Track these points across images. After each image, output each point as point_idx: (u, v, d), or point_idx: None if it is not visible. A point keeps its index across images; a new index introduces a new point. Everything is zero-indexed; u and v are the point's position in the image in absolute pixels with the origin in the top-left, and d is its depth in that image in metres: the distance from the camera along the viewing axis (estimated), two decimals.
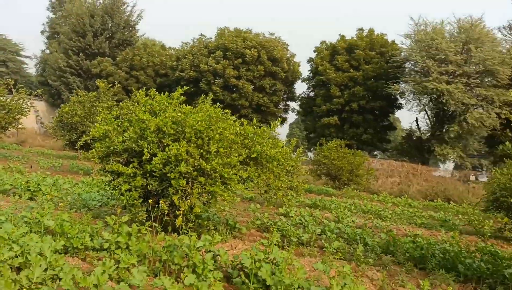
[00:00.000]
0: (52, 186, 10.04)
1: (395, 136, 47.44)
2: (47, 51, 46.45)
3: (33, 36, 66.77)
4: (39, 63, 48.50)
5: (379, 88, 32.22)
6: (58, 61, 38.57)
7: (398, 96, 34.03)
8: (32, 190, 9.30)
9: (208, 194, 6.63)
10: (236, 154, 6.62)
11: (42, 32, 50.80)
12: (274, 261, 4.95)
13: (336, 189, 20.19)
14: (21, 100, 18.35)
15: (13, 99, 18.20)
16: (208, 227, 7.06)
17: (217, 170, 6.25)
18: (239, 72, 33.79)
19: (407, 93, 32.75)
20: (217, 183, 6.35)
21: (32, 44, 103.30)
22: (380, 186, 24.71)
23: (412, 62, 31.99)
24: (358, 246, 7.03)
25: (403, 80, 31.25)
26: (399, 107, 35.36)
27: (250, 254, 4.96)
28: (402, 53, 33.15)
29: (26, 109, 18.82)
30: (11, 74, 45.04)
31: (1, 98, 17.88)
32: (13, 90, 18.74)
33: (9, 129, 19.30)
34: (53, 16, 49.88)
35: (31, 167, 15.50)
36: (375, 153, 40.44)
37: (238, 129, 7.08)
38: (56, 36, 46.78)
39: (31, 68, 52.64)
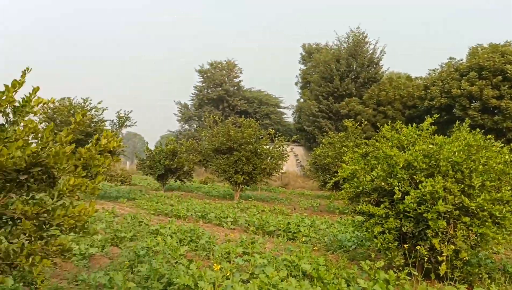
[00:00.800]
0: (310, 227, 10.40)
1: None
2: (301, 100, 50.97)
3: (289, 89, 74.66)
4: (295, 112, 53.55)
5: None
6: (311, 108, 41.73)
7: None
8: (292, 231, 9.80)
9: (476, 236, 5.62)
10: (509, 187, 5.48)
11: (296, 83, 56.33)
12: None
13: None
14: (281, 147, 20.26)
15: (275, 147, 20.27)
16: (480, 275, 5.98)
17: (485, 207, 5.25)
18: (500, 91, 29.72)
19: None
20: (487, 223, 5.32)
21: (289, 96, 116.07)
22: None
23: None
24: None
25: None
26: None
27: None
28: None
29: (286, 155, 20.64)
30: (273, 125, 51.42)
31: (265, 146, 20.10)
32: (274, 139, 20.84)
33: (274, 174, 21.35)
34: (304, 67, 54.90)
35: (294, 209, 16.64)
36: None
37: (507, 157, 5.90)
38: (307, 85, 51.00)
39: (289, 117, 59.39)
